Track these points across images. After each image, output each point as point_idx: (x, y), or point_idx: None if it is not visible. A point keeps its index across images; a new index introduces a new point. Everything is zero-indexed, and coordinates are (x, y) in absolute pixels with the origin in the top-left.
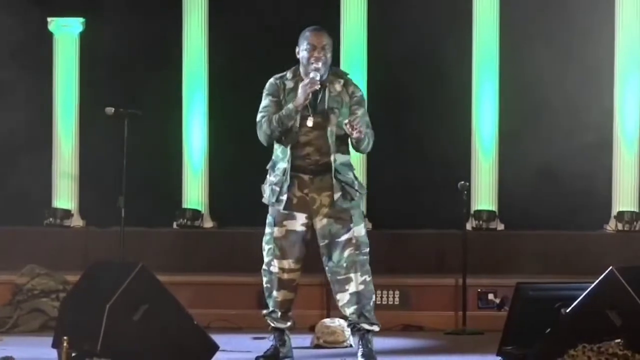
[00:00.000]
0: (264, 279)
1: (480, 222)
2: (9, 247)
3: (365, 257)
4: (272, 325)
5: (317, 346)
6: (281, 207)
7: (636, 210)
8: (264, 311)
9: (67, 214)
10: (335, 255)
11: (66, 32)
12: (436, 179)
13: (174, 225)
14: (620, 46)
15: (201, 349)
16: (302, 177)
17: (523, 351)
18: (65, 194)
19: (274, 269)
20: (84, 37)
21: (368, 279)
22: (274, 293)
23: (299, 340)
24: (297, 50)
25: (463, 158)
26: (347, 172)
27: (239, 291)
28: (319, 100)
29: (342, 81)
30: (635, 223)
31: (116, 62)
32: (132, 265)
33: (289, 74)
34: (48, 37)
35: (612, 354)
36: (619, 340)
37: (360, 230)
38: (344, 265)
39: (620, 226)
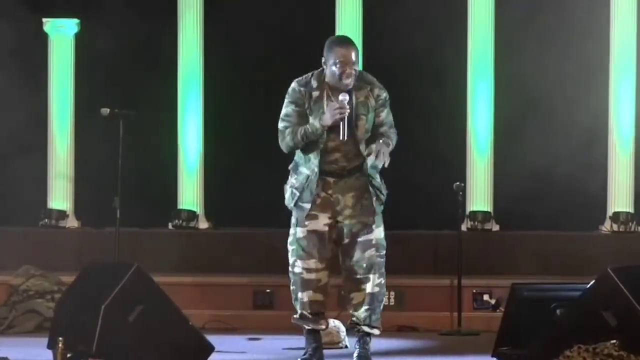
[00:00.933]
0: (290, 282)
1: (476, 222)
2: (4, 248)
3: (382, 259)
4: (307, 327)
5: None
6: (303, 214)
7: (631, 211)
8: (294, 316)
9: (62, 214)
10: (356, 255)
11: (61, 33)
12: (431, 180)
13: (169, 226)
14: (615, 46)
15: (196, 350)
16: (327, 180)
17: (518, 352)
18: (60, 195)
19: (298, 269)
20: (79, 38)
21: (383, 281)
22: (299, 294)
23: (293, 341)
24: (323, 59)
25: (458, 159)
26: (376, 175)
27: (234, 292)
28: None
29: (368, 87)
30: (630, 224)
31: (111, 63)
32: (127, 266)
33: (314, 82)
34: (43, 38)
35: (607, 354)
36: (614, 341)
37: (380, 232)
38: (364, 265)
39: (615, 227)
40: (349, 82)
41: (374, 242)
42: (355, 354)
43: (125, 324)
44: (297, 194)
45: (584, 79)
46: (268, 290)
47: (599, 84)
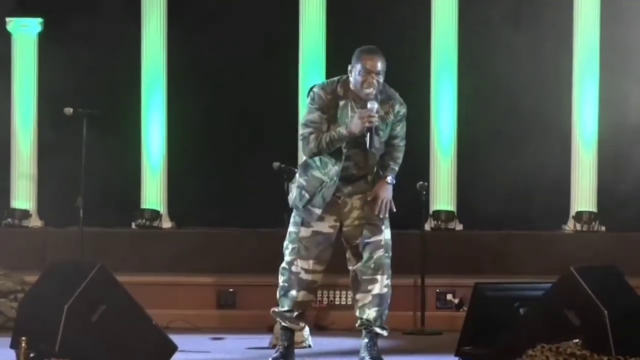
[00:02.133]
0: (282, 278)
1: (439, 222)
2: None
3: (390, 260)
4: (284, 324)
5: (276, 346)
6: (313, 218)
7: (594, 210)
8: (275, 309)
9: (25, 214)
10: (365, 256)
11: (25, 33)
12: (395, 179)
13: (133, 226)
14: (579, 49)
15: (160, 350)
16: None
17: (481, 351)
18: (23, 195)
19: (296, 268)
20: (43, 38)
21: (390, 282)
22: (293, 292)
23: (256, 341)
24: (349, 67)
25: (422, 159)
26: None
27: (197, 291)
28: None
29: (390, 102)
30: (593, 223)
31: (75, 62)
32: (91, 266)
33: (339, 89)
34: (6, 38)
35: (570, 354)
36: (577, 340)
37: (388, 233)
38: (372, 266)
39: (578, 226)
40: (370, 91)
41: (382, 242)
42: (367, 357)
43: (88, 323)
44: (308, 197)
45: (548, 79)
46: (231, 290)
47: (563, 85)
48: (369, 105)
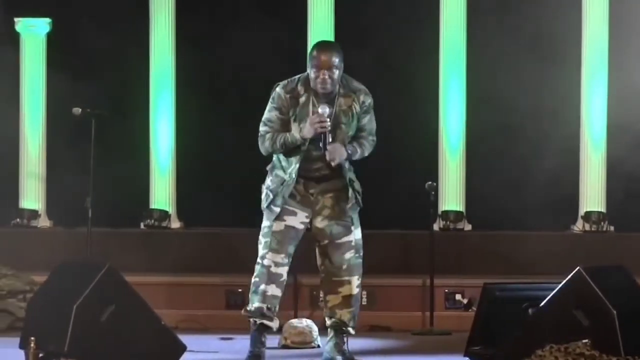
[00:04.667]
0: (254, 274)
1: (448, 222)
2: None
3: (361, 260)
4: (258, 321)
5: (285, 346)
6: (272, 217)
7: (603, 210)
8: (248, 308)
9: (34, 214)
10: (336, 257)
11: (33, 33)
12: (404, 179)
13: (141, 226)
14: (588, 48)
15: (169, 350)
16: (309, 181)
17: (490, 351)
18: (32, 195)
19: (267, 261)
20: (51, 38)
21: (360, 282)
22: (262, 287)
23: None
24: (308, 64)
25: (430, 159)
26: (354, 179)
27: (206, 292)
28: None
29: (354, 94)
30: (602, 223)
31: (83, 62)
32: (100, 266)
33: (300, 88)
34: (15, 38)
35: (579, 354)
36: (586, 341)
37: (358, 233)
38: (344, 267)
39: (587, 226)
40: (325, 87)
41: (353, 243)
42: (341, 358)
43: (97, 323)
44: (271, 196)
45: (557, 79)
46: (240, 290)
47: (572, 85)
48: (319, 110)
